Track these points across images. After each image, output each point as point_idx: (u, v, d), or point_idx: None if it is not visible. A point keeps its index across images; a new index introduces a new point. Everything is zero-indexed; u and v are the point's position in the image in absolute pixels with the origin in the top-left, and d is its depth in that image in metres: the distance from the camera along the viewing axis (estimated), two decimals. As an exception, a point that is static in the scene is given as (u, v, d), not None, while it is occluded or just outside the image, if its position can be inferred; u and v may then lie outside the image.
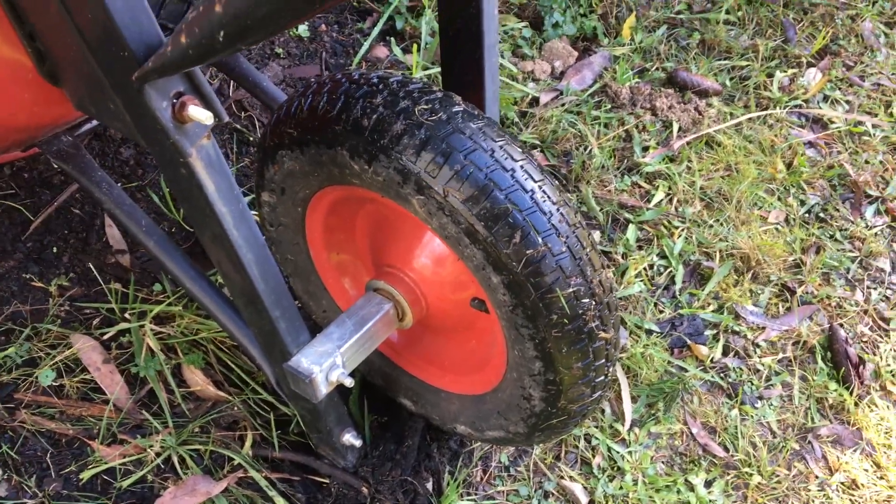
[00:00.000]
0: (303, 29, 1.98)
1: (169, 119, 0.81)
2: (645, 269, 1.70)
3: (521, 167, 0.97)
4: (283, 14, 0.58)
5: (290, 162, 1.11)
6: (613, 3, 2.17)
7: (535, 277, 0.96)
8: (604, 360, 1.04)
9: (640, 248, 1.74)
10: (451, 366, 1.24)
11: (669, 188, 1.84)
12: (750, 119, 2.00)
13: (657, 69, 2.08)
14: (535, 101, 1.94)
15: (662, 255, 1.73)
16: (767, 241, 1.76)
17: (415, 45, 1.90)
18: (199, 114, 0.81)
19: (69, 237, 1.52)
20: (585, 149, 1.85)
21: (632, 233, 1.74)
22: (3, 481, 1.23)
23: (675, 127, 1.95)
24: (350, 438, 1.24)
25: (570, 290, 0.97)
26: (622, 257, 1.71)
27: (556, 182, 1.01)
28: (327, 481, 1.29)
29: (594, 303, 0.99)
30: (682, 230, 1.77)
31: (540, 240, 0.95)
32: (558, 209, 0.97)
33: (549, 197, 0.97)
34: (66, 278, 1.45)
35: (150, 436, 1.28)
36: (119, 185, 1.56)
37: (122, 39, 0.76)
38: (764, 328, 1.65)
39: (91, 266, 1.45)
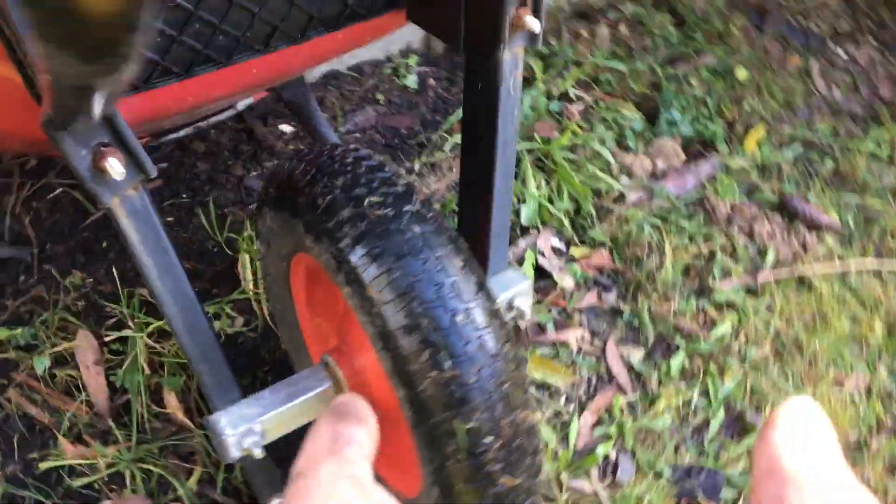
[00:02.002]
0: (412, 80, 1.99)
1: (87, 168, 0.83)
2: (680, 404, 1.55)
3: (453, 284, 0.91)
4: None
5: (269, 220, 1.11)
6: (746, 111, 2.02)
7: (435, 401, 0.90)
8: (508, 507, 0.96)
9: (682, 379, 1.59)
10: (388, 458, 1.19)
11: (739, 322, 1.67)
12: (862, 269, 1.79)
13: (771, 191, 1.90)
14: (621, 197, 1.83)
15: (705, 394, 1.57)
16: (835, 409, 1.56)
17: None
18: (116, 167, 0.82)
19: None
20: (658, 258, 1.73)
21: (678, 361, 1.60)
22: (-27, 451, 1.31)
23: (771, 258, 1.77)
24: None
25: (471, 424, 0.90)
26: (657, 384, 1.57)
27: (495, 307, 0.94)
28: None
29: (499, 444, 0.91)
30: (738, 373, 1.60)
31: (448, 364, 0.89)
32: (480, 336, 0.90)
33: (473, 321, 0.90)
34: (104, 273, 1.53)
35: (111, 445, 1.32)
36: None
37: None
38: (795, 506, 1.45)
39: (117, 269, 1.52)
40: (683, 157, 1.93)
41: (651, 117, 2.00)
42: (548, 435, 1.47)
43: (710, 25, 2.19)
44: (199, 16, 1.02)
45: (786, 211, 1.87)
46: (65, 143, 0.81)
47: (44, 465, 1.30)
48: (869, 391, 1.62)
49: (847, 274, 1.77)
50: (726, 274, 1.74)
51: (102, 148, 0.84)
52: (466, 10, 1.07)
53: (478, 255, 1.25)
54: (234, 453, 1.06)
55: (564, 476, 1.44)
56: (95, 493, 1.30)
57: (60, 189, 1.64)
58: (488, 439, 0.91)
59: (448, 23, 1.11)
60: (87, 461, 1.31)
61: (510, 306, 1.22)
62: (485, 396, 0.90)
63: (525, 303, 1.24)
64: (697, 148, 1.97)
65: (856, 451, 1.53)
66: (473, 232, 1.23)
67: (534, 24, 1.01)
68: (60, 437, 1.32)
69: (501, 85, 1.08)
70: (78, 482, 1.30)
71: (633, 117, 1.97)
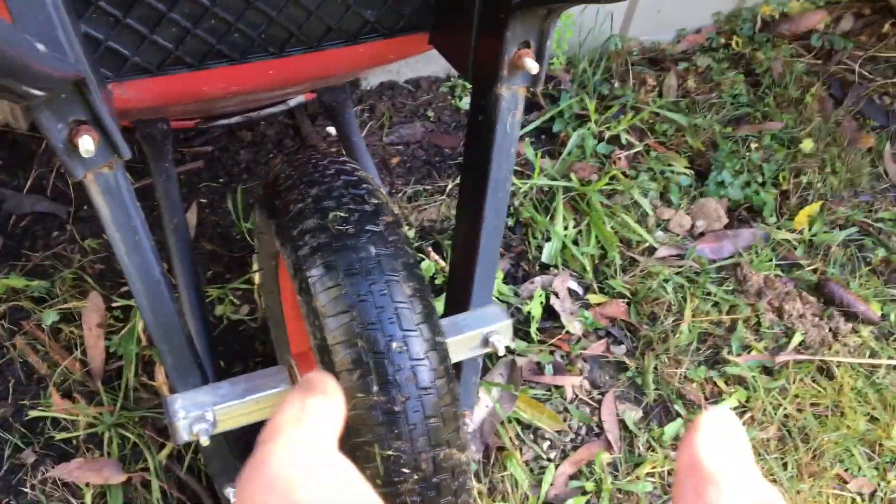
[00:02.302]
0: (466, 101, 2.00)
1: (62, 141, 0.87)
2: (666, 472, 1.50)
3: (396, 309, 0.92)
4: None
5: (258, 217, 1.14)
6: (803, 184, 1.94)
7: (359, 423, 0.90)
8: (420, 541, 0.95)
9: (673, 447, 1.54)
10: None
11: (747, 400, 1.61)
12: (893, 368, 1.69)
13: (812, 271, 1.82)
14: (650, 251, 1.79)
15: (694, 467, 1.52)
16: (831, 507, 1.48)
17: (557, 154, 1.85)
18: (86, 145, 0.86)
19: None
20: (675, 320, 1.68)
21: (673, 427, 1.55)
22: (-28, 390, 1.39)
23: (796, 339, 1.70)
24: (231, 495, 1.24)
25: (390, 452, 0.90)
26: (646, 447, 1.53)
27: (439, 340, 0.93)
28: (214, 520, 1.30)
29: (415, 477, 0.91)
30: (733, 450, 1.53)
31: (375, 388, 0.89)
32: (413, 367, 0.90)
33: (409, 350, 0.91)
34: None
35: (95, 405, 1.38)
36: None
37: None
38: None
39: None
40: (725, 220, 1.87)
41: (701, 175, 1.94)
42: (521, 477, 1.45)
43: (785, 91, 2.12)
44: (215, 12, 1.06)
45: (821, 294, 1.78)
46: (42, 116, 0.86)
47: (33, 413, 1.37)
48: (873, 496, 1.53)
49: (875, 370, 1.68)
50: (745, 348, 1.68)
51: (79, 125, 0.88)
52: (476, 42, 1.08)
53: (464, 288, 1.25)
54: (184, 436, 1.09)
55: (529, 522, 1.42)
56: (72, 450, 1.36)
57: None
58: (406, 470, 0.91)
59: (460, 51, 1.12)
60: (71, 417, 1.37)
61: (485, 342, 1.21)
62: (408, 427, 0.90)
63: (501, 340, 1.22)
64: (743, 214, 1.91)
65: (842, 557, 1.45)
66: (462, 263, 1.23)
67: (532, 66, 1.00)
68: (52, 388, 1.39)
69: (498, 121, 1.08)
70: (59, 435, 1.36)
71: (681, 171, 1.92)
